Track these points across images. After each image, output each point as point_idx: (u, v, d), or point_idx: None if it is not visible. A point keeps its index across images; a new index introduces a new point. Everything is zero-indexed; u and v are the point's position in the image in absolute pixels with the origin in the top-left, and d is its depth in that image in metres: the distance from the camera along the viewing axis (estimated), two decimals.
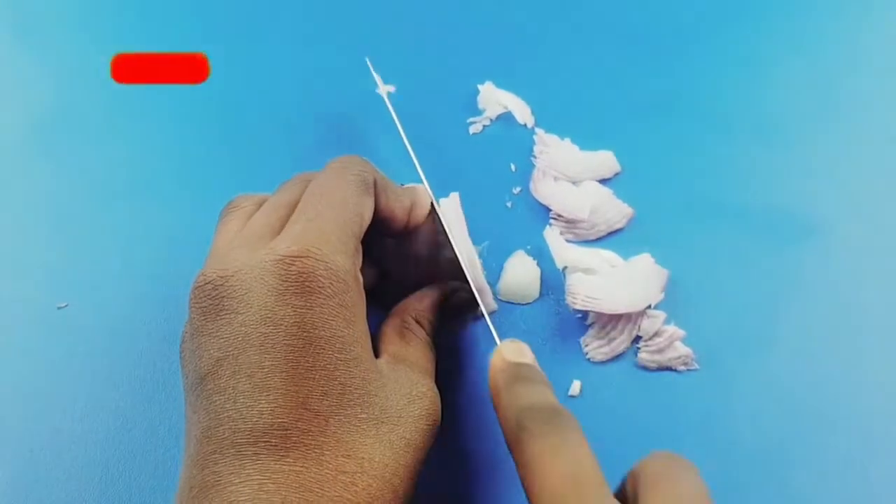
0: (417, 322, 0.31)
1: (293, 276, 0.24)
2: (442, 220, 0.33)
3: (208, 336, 0.24)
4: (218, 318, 0.24)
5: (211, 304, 0.25)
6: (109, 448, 0.32)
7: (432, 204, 0.33)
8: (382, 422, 0.25)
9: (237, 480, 0.22)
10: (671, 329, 0.34)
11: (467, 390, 0.34)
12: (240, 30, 0.46)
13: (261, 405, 0.23)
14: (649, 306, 0.35)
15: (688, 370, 0.34)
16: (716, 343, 0.35)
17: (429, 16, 0.49)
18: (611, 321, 0.35)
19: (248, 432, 0.22)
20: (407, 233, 0.32)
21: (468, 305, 0.34)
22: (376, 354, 0.28)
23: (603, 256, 0.37)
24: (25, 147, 0.42)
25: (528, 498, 0.21)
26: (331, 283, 0.25)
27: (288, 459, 0.22)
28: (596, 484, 0.20)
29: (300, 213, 0.27)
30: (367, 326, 0.27)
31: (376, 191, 0.29)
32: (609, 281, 0.35)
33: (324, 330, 0.24)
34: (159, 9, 0.47)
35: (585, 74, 0.45)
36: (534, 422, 0.22)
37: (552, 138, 0.41)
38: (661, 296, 0.35)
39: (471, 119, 0.43)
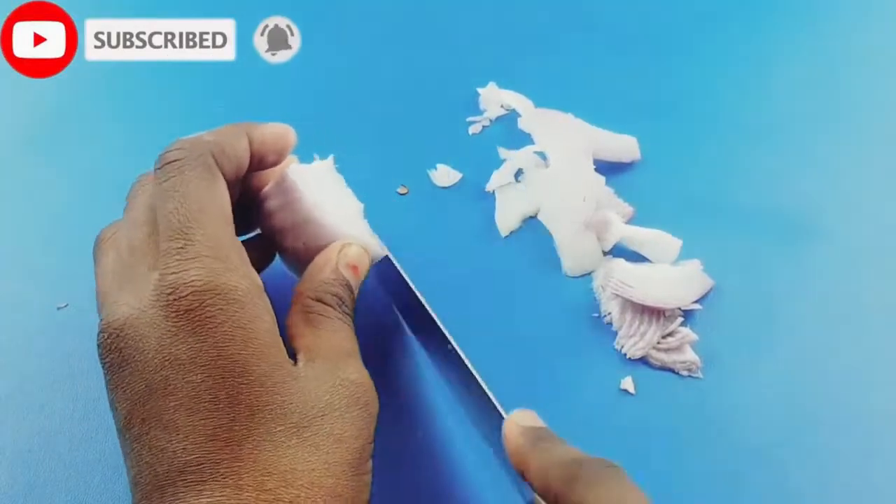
0: (320, 301, 0.28)
1: (182, 314, 0.24)
2: (313, 185, 0.31)
3: (118, 389, 0.25)
4: (122, 370, 0.25)
5: (114, 359, 0.25)
6: (109, 448, 0.32)
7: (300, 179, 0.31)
8: (304, 427, 0.24)
9: None
10: (685, 331, 0.34)
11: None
12: (240, 29, 0.46)
13: (173, 446, 0.23)
14: (679, 309, 0.35)
15: (690, 376, 0.34)
16: (715, 342, 0.34)
17: (429, 17, 0.49)
18: (636, 316, 0.34)
19: (164, 475, 0.23)
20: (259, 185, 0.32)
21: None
22: (292, 354, 0.26)
23: (652, 234, 0.37)
24: (25, 147, 0.42)
25: None
26: (220, 310, 0.24)
27: (206, 493, 0.22)
28: None
29: (166, 236, 0.25)
30: (272, 334, 0.25)
31: (221, 155, 0.28)
32: (648, 273, 0.35)
33: (220, 359, 0.24)
34: None
35: (585, 75, 0.45)
36: (588, 470, 0.22)
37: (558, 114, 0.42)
38: (698, 305, 0.35)
39: (470, 119, 0.43)
